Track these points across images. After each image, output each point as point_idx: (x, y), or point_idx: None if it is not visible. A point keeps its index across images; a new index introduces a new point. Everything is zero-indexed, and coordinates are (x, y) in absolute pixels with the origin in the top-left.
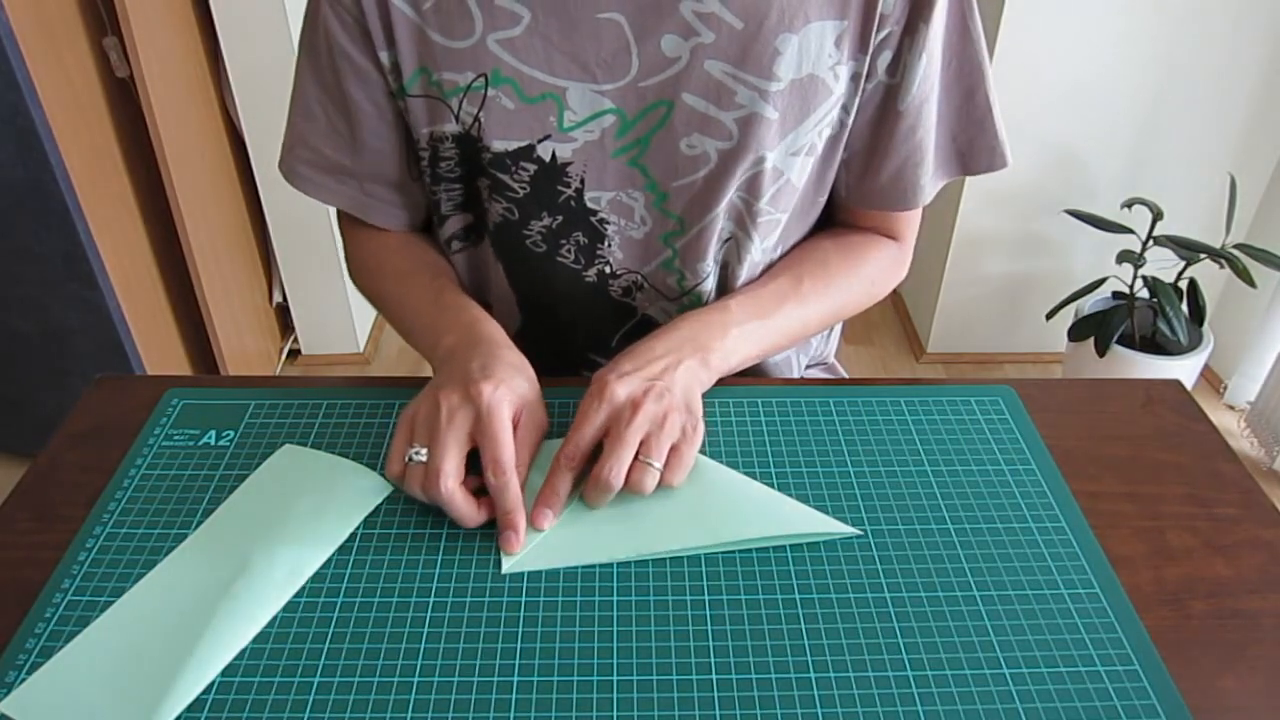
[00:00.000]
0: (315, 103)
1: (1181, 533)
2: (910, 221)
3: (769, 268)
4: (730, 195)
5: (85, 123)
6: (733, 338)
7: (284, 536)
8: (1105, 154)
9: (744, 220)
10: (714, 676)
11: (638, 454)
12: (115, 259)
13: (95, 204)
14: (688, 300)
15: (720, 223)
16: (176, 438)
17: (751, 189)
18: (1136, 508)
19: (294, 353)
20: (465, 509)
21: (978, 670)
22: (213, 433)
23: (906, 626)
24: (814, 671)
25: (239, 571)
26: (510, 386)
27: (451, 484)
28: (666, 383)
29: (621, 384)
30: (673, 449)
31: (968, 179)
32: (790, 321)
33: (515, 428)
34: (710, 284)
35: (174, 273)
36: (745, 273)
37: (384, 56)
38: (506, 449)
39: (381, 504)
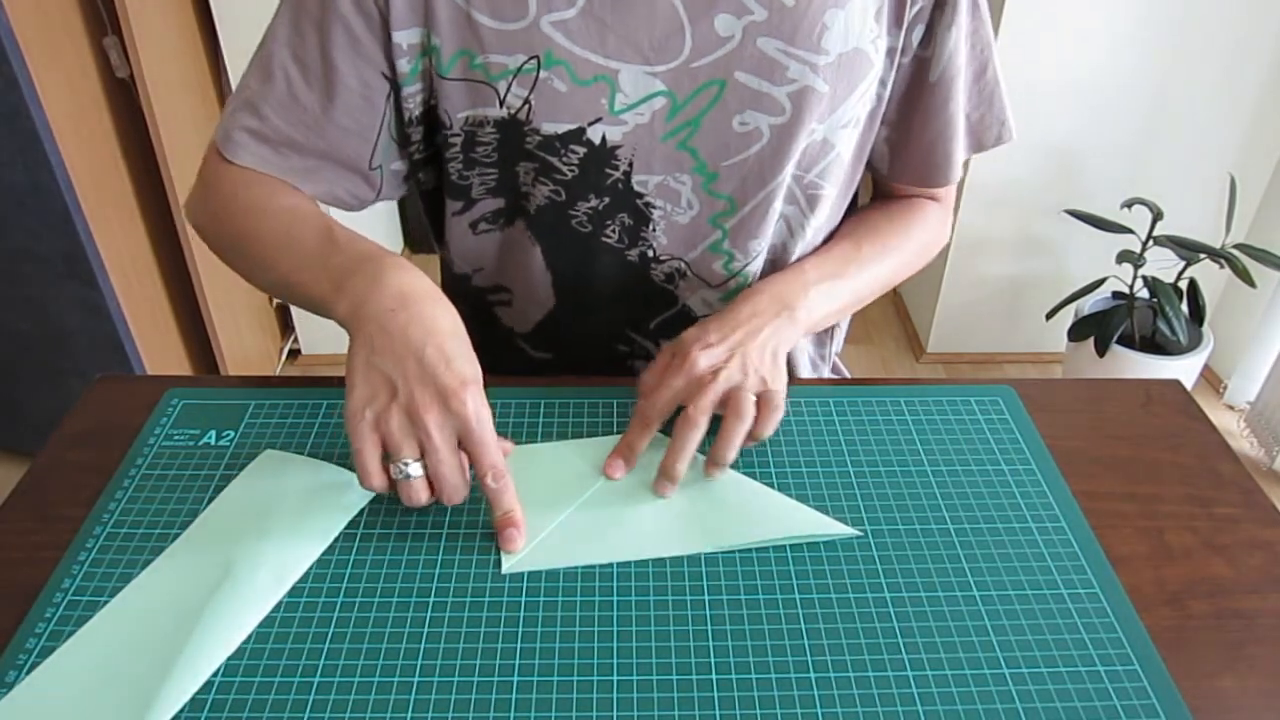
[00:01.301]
0: (280, 68)
1: (1181, 533)
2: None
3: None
4: (787, 169)
5: (85, 123)
6: (813, 295)
7: (267, 542)
8: (1105, 154)
9: (796, 196)
10: (714, 676)
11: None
12: (115, 259)
13: (95, 204)
14: (734, 285)
15: (775, 200)
16: (176, 438)
17: (802, 163)
18: (1136, 508)
19: (294, 353)
20: (460, 500)
21: (978, 670)
22: (213, 433)
23: (906, 626)
24: (814, 671)
25: (222, 578)
26: (477, 379)
27: (465, 494)
28: (749, 347)
29: (705, 355)
30: (759, 401)
31: (968, 179)
32: (858, 283)
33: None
34: (758, 264)
35: (174, 273)
36: (800, 250)
37: (407, 36)
38: (499, 454)
39: (380, 504)
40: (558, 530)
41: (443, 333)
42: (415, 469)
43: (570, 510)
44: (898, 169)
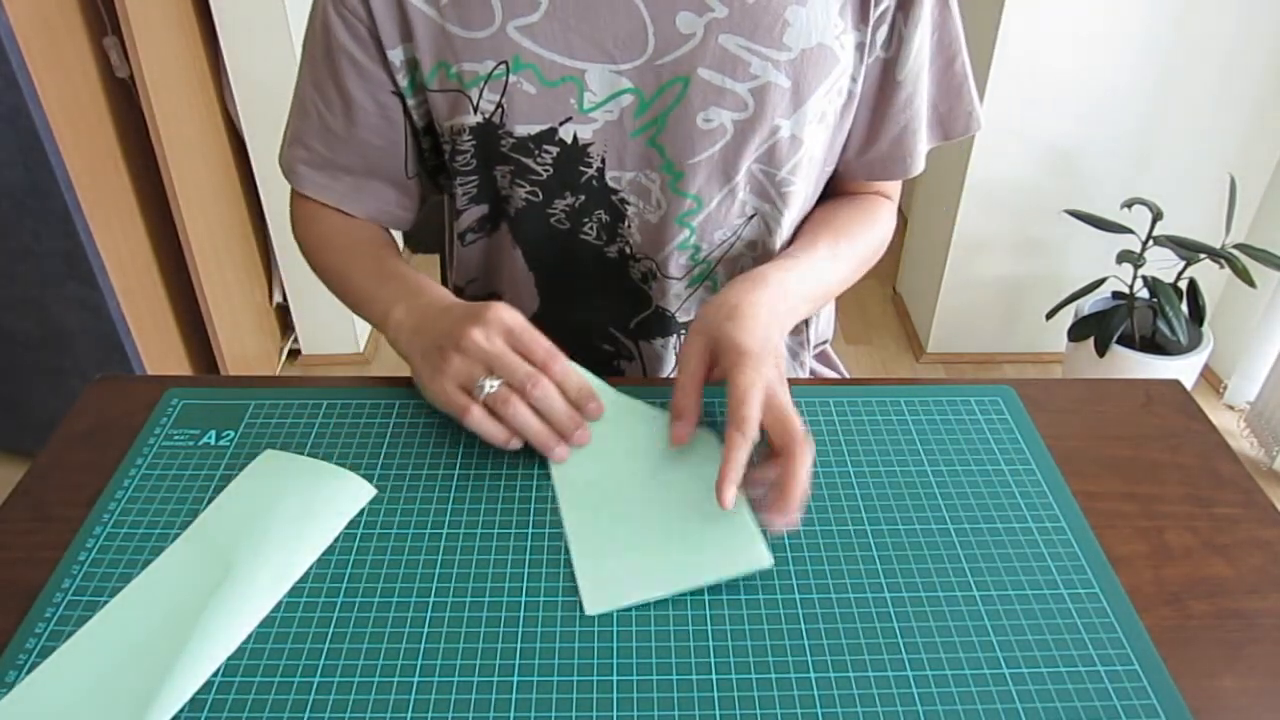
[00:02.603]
0: (310, 102)
1: (1181, 533)
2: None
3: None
4: (748, 166)
5: (85, 123)
6: (797, 304)
7: (268, 542)
8: (1105, 154)
9: (768, 193)
10: (714, 676)
11: None
12: (115, 259)
13: (95, 204)
14: (697, 272)
15: (740, 195)
16: (176, 438)
17: (771, 160)
18: (1136, 508)
19: (294, 353)
20: (564, 407)
21: (978, 670)
22: (213, 433)
23: (906, 626)
24: (814, 671)
25: (222, 579)
26: (498, 304)
27: (546, 379)
28: (777, 356)
29: (766, 366)
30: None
31: (968, 179)
32: (833, 283)
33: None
34: (720, 251)
35: (174, 273)
36: (779, 246)
37: (396, 54)
38: (544, 341)
39: (380, 504)
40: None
41: (463, 304)
42: (493, 382)
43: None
44: (864, 167)
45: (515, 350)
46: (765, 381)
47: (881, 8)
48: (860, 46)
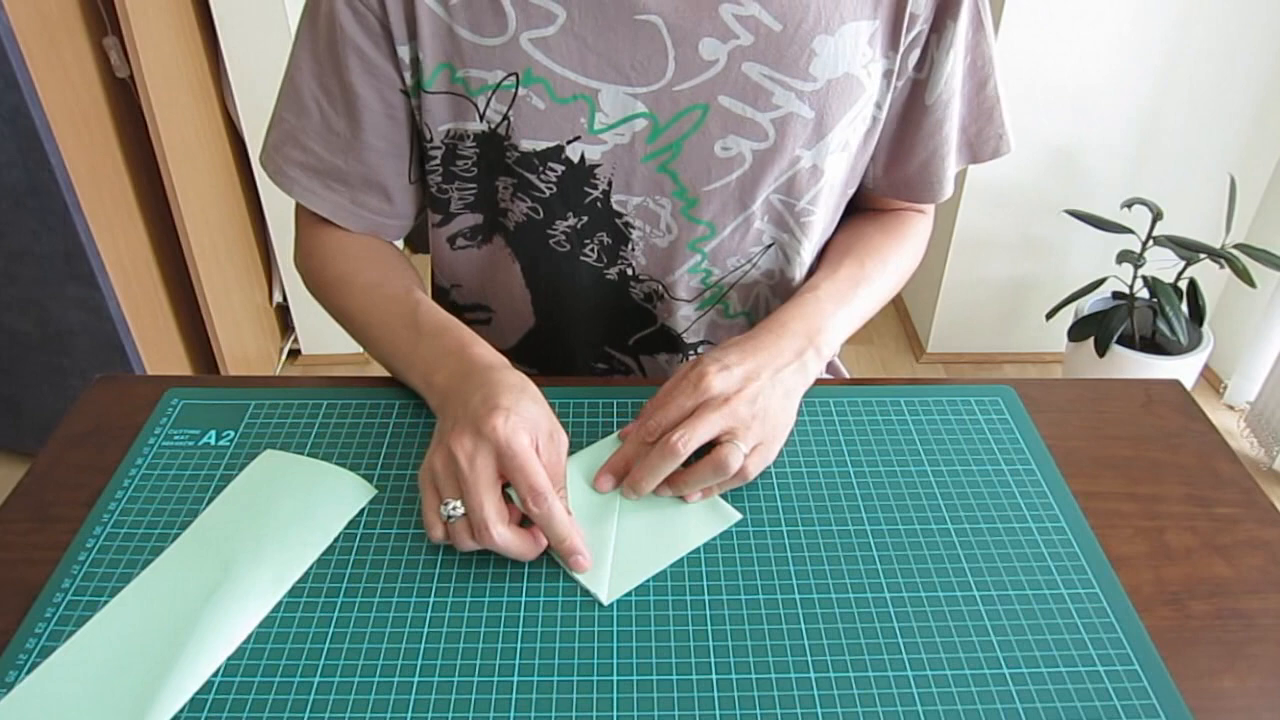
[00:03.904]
0: (311, 98)
1: (1181, 533)
2: None
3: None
4: (765, 195)
5: (85, 123)
6: (830, 328)
7: (267, 542)
8: (1105, 154)
9: (786, 222)
10: (714, 676)
11: (718, 440)
12: (115, 259)
13: (95, 204)
14: (709, 295)
15: (756, 224)
16: (176, 438)
17: (791, 190)
18: (1136, 508)
19: (294, 353)
20: (523, 547)
21: (978, 670)
22: (213, 433)
23: (906, 626)
24: (814, 671)
25: (222, 579)
26: (520, 413)
27: (501, 529)
28: (763, 383)
29: (720, 377)
30: (755, 447)
31: (968, 179)
32: (866, 303)
33: (537, 453)
34: (734, 277)
35: (174, 273)
36: (799, 274)
37: (403, 51)
38: (539, 475)
39: (380, 504)
40: (630, 541)
41: (495, 383)
42: (458, 508)
43: (628, 521)
44: (890, 187)
45: (506, 471)
46: (696, 397)
47: (914, 33)
48: (888, 74)
